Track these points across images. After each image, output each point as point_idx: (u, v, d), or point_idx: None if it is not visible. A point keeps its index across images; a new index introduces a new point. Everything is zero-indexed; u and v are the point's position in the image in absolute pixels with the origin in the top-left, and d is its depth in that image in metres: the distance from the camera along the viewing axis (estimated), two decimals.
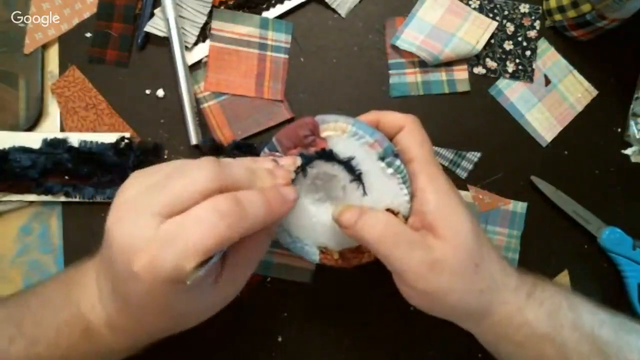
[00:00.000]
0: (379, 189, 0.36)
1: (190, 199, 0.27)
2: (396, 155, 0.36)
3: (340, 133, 0.36)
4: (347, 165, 0.36)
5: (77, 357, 0.33)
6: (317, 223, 0.38)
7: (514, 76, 0.51)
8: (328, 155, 0.36)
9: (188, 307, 0.31)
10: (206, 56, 0.49)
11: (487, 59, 0.51)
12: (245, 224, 0.28)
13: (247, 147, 0.47)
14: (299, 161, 0.35)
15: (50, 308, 0.33)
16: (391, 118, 0.37)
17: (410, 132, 0.37)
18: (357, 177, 0.37)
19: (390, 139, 0.37)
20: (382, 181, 0.36)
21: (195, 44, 0.49)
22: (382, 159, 0.36)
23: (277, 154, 0.37)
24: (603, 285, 0.50)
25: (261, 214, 0.29)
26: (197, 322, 0.34)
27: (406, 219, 0.37)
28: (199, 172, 0.28)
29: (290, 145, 0.36)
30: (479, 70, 0.51)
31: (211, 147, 0.47)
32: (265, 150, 0.37)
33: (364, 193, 0.37)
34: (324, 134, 0.36)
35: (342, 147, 0.36)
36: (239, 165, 0.31)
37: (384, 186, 0.36)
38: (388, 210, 0.36)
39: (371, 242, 0.34)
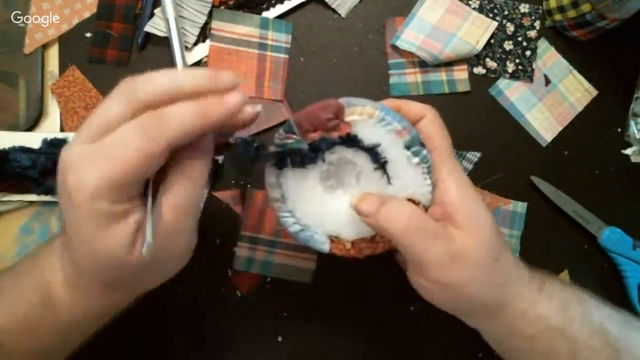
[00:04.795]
0: (402, 177, 0.35)
1: (108, 126, 0.28)
2: (422, 145, 0.35)
3: (366, 118, 0.34)
4: (372, 152, 0.34)
5: (37, 329, 0.32)
6: (329, 211, 0.36)
7: (514, 76, 0.51)
8: (352, 141, 0.34)
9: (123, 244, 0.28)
10: (206, 56, 0.49)
11: (487, 59, 0.51)
12: (167, 133, 0.27)
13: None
14: (259, 108, 0.30)
15: (15, 276, 0.33)
16: (412, 106, 0.37)
17: (432, 122, 0.36)
18: (381, 165, 0.35)
19: None
20: (406, 170, 0.35)
21: (195, 44, 0.49)
22: (407, 147, 0.34)
23: (294, 136, 0.34)
24: (603, 285, 0.50)
25: (187, 120, 0.28)
26: (151, 280, 0.32)
27: (425, 209, 0.36)
28: (108, 101, 0.29)
29: (310, 128, 0.33)
30: (479, 70, 0.51)
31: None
32: (280, 131, 0.35)
33: (389, 182, 0.35)
34: (348, 118, 0.34)
35: (367, 132, 0.34)
36: (161, 77, 0.29)
37: (407, 175, 0.35)
38: (409, 199, 0.35)
39: (394, 233, 0.33)
